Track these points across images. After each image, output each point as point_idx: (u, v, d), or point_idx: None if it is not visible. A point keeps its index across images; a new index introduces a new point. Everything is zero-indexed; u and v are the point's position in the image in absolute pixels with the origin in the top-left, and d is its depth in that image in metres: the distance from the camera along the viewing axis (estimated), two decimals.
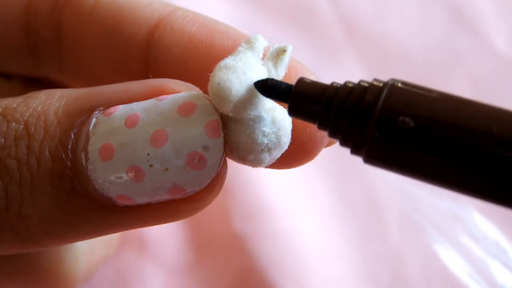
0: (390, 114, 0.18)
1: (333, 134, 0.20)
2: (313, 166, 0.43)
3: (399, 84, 0.19)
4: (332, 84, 0.20)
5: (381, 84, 0.19)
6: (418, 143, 0.18)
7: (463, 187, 0.19)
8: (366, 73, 0.48)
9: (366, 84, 0.19)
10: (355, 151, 0.20)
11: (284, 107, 0.23)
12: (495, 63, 0.49)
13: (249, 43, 0.23)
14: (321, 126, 0.20)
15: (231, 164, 0.23)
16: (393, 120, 0.18)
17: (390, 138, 0.19)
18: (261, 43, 0.23)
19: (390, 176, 0.43)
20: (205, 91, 0.22)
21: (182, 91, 0.23)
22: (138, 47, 0.27)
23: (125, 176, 0.22)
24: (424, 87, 0.19)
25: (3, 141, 0.23)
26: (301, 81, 0.21)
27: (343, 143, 0.20)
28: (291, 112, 0.21)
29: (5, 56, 0.30)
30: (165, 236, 0.40)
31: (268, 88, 0.21)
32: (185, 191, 0.22)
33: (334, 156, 0.43)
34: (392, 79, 0.19)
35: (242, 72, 0.21)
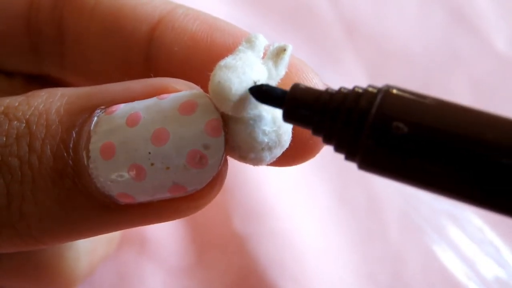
0: (384, 119, 0.18)
1: (327, 140, 0.20)
2: (313, 166, 0.43)
3: (394, 90, 0.19)
4: (326, 90, 0.20)
5: (375, 90, 0.19)
6: (412, 149, 0.18)
7: (456, 193, 0.19)
8: (366, 73, 0.49)
9: (360, 90, 0.20)
10: (349, 157, 0.20)
11: None
12: (495, 63, 0.49)
13: (250, 42, 0.23)
14: (316, 132, 0.20)
15: (231, 164, 0.23)
16: (387, 126, 0.18)
17: (384, 144, 0.19)
18: (262, 42, 0.23)
19: None
20: (206, 89, 0.22)
21: (183, 90, 0.23)
22: (139, 45, 0.27)
23: (126, 175, 0.22)
24: (419, 93, 0.19)
25: (4, 139, 0.23)
26: (295, 87, 0.21)
27: (338, 149, 0.20)
28: (286, 118, 0.21)
29: (7, 53, 0.30)
30: (165, 236, 0.40)
31: (263, 93, 0.21)
32: (186, 189, 0.22)
33: (334, 156, 0.43)
34: (387, 85, 0.19)
35: (242, 71, 0.21)
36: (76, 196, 0.23)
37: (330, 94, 0.20)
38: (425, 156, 0.18)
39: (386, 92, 0.19)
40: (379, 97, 0.19)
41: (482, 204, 0.18)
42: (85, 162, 0.22)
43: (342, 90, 0.20)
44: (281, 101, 0.21)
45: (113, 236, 0.36)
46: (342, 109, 0.19)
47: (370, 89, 0.19)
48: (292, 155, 0.24)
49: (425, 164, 0.18)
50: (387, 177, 0.19)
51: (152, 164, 0.22)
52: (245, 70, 0.21)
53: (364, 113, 0.19)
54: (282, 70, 0.23)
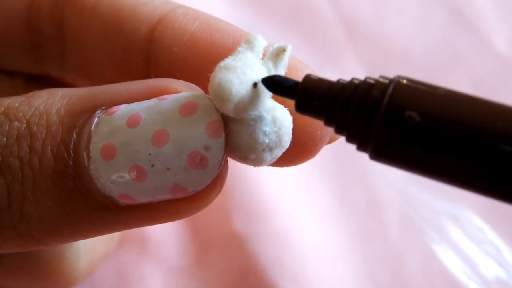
0: (397, 109, 0.19)
1: (340, 130, 0.20)
2: (313, 166, 0.43)
3: (405, 81, 0.19)
4: (338, 80, 0.20)
5: (387, 81, 0.19)
6: (424, 137, 0.18)
7: (467, 183, 0.19)
8: (366, 73, 0.48)
9: (372, 81, 0.20)
10: (361, 147, 0.20)
11: (285, 106, 0.23)
12: (495, 63, 0.50)
13: (249, 43, 0.23)
14: (328, 122, 0.20)
15: (231, 164, 0.23)
16: (399, 115, 0.19)
17: (396, 133, 0.19)
18: (261, 42, 0.23)
19: (390, 177, 0.44)
20: (206, 90, 0.22)
21: (184, 91, 0.23)
22: (139, 45, 0.27)
23: (126, 176, 0.22)
24: (429, 84, 0.19)
25: (5, 140, 0.23)
26: (307, 77, 0.21)
27: (350, 139, 0.20)
28: (298, 109, 0.21)
29: (7, 53, 0.30)
30: (165, 236, 0.40)
31: (276, 84, 0.21)
32: (187, 190, 0.22)
33: (334, 157, 0.43)
34: (398, 76, 0.19)
35: (242, 72, 0.21)
36: (76, 197, 0.23)
37: (342, 85, 0.20)
38: (437, 145, 0.18)
39: (398, 83, 0.19)
40: (391, 87, 0.19)
41: (492, 193, 0.19)
42: (86, 163, 0.22)
43: (354, 80, 0.20)
44: (293, 92, 0.21)
45: (113, 235, 0.36)
46: (354, 99, 0.20)
47: (382, 79, 0.20)
48: (292, 156, 0.24)
49: (438, 153, 0.18)
50: (399, 166, 0.20)
51: (152, 165, 0.22)
52: (245, 71, 0.21)
53: (376, 102, 0.19)
54: (281, 71, 0.23)
